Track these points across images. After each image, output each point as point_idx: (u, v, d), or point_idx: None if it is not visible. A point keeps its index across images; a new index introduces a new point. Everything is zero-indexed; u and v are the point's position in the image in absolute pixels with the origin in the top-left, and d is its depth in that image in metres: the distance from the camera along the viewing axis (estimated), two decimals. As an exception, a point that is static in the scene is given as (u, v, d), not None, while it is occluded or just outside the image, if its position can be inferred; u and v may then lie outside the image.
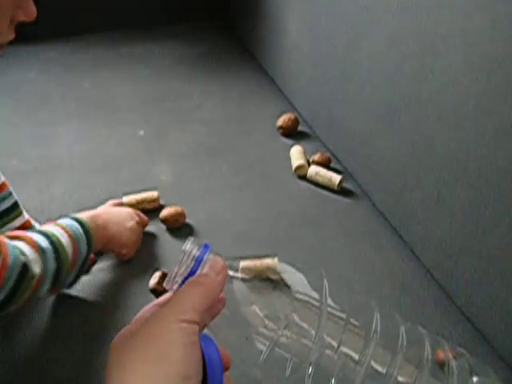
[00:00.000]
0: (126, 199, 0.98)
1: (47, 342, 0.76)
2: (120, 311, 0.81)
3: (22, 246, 0.69)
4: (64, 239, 0.74)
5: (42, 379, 0.70)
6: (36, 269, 0.68)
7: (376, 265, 0.90)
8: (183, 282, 0.40)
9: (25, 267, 0.66)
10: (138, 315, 0.41)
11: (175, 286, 0.41)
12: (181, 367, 0.33)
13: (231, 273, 0.43)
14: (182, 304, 0.37)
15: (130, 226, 0.87)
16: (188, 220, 0.97)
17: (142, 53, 1.69)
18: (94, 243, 0.79)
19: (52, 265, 0.71)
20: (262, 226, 0.98)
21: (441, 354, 0.48)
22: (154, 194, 0.99)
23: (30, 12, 0.61)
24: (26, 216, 0.81)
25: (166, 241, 0.94)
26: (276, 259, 0.47)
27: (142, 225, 0.92)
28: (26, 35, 1.68)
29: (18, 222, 0.80)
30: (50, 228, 0.75)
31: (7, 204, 0.78)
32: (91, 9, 1.76)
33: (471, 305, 0.79)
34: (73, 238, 0.75)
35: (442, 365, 0.47)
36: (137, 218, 0.90)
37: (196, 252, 0.42)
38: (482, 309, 0.77)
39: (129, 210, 0.91)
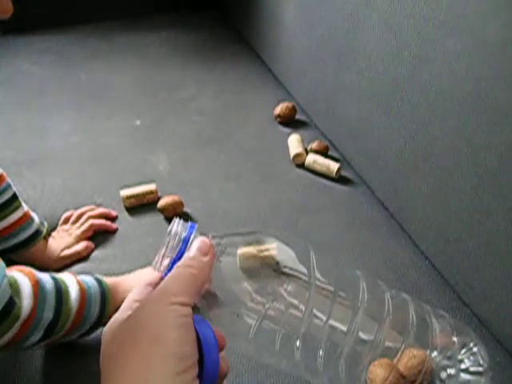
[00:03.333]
0: (123, 193, 0.97)
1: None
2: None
3: (20, 279, 0.58)
4: (73, 291, 0.63)
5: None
6: (25, 310, 0.56)
7: (374, 252, 0.90)
8: (172, 264, 0.41)
9: (11, 303, 0.54)
10: (128, 297, 0.41)
11: (163, 268, 0.41)
12: (176, 347, 0.34)
13: (218, 251, 0.43)
14: (173, 288, 0.37)
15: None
16: (186, 209, 0.97)
17: (137, 43, 1.68)
18: (108, 310, 0.66)
19: (49, 313, 0.59)
20: (259, 214, 0.98)
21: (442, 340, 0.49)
22: (151, 186, 0.98)
23: (5, 8, 0.55)
24: (25, 208, 0.81)
25: (164, 230, 0.93)
26: (274, 244, 0.47)
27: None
28: (20, 26, 1.67)
29: (16, 215, 0.79)
30: (61, 274, 0.65)
31: (7, 196, 0.78)
32: (85, -2, 1.75)
33: (469, 291, 0.79)
34: (84, 293, 0.63)
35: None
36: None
37: (182, 233, 0.42)
38: (480, 295, 0.77)
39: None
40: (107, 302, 0.66)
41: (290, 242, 0.46)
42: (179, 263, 0.40)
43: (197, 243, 0.41)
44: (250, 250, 0.44)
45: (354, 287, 0.47)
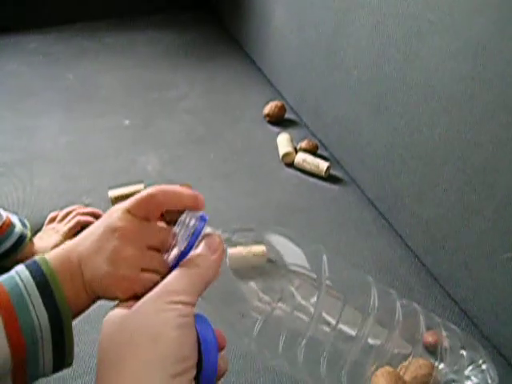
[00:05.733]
0: (111, 193, 0.96)
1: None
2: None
3: None
4: None
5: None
6: None
7: (364, 251, 0.90)
8: (180, 257, 0.39)
9: None
10: None
11: (171, 258, 0.40)
12: (176, 348, 0.33)
13: (228, 248, 0.41)
14: (176, 286, 0.36)
15: (109, 253, 0.40)
16: (175, 210, 0.96)
17: (126, 43, 1.67)
18: (64, 303, 0.39)
19: None
20: (249, 214, 0.98)
21: (429, 338, 0.48)
22: (140, 186, 0.98)
23: None
24: (3, 216, 0.79)
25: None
26: (263, 247, 0.46)
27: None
28: (8, 26, 1.66)
29: None
30: None
31: None
32: (73, -2, 1.74)
33: (459, 289, 0.79)
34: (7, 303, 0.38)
35: (431, 347, 0.47)
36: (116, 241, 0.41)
37: (193, 224, 0.40)
38: (469, 292, 0.77)
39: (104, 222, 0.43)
40: (56, 290, 0.39)
41: (300, 241, 0.45)
42: (186, 259, 0.38)
43: (207, 239, 0.39)
44: (256, 248, 0.43)
45: (365, 292, 0.46)
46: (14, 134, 1.21)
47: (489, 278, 0.72)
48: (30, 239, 0.83)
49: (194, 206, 0.42)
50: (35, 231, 0.88)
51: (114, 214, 0.41)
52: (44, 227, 0.91)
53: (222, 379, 0.39)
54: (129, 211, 0.41)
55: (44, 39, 1.67)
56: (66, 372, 0.66)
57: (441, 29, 0.73)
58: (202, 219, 0.41)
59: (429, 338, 0.48)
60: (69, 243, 0.43)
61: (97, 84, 1.43)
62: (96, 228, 0.42)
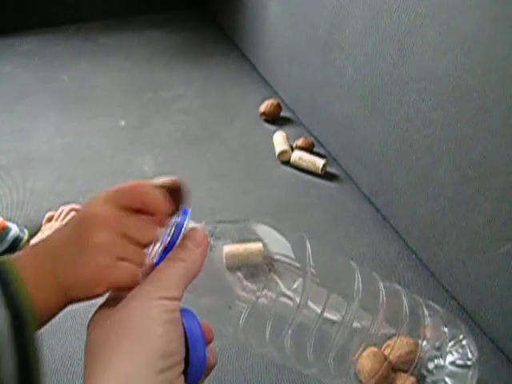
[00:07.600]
0: None
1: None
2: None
3: None
4: None
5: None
6: None
7: (361, 247, 0.90)
8: (164, 252, 0.39)
9: None
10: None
11: (154, 253, 0.39)
12: (162, 344, 0.33)
13: (211, 240, 0.41)
14: (163, 281, 0.36)
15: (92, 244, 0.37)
16: (172, 209, 0.96)
17: (122, 43, 1.67)
18: (29, 307, 0.35)
19: None
20: (247, 212, 0.98)
21: (427, 334, 0.49)
22: None
23: None
24: None
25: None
26: (260, 244, 0.46)
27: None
28: (3, 28, 1.65)
29: None
30: None
31: None
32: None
33: (455, 283, 0.79)
34: None
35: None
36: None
37: (175, 218, 0.39)
38: (465, 287, 0.77)
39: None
40: (18, 292, 0.35)
41: (284, 231, 0.45)
42: (171, 254, 0.38)
43: (191, 233, 0.39)
44: (253, 246, 0.43)
45: (349, 277, 0.46)
46: (9, 136, 1.20)
47: (485, 272, 0.72)
48: (28, 241, 0.83)
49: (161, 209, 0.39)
50: (33, 233, 0.88)
51: (90, 203, 0.39)
52: (42, 227, 0.91)
53: (215, 373, 0.39)
54: (107, 200, 0.38)
55: (39, 41, 1.67)
56: (61, 372, 0.66)
57: (435, 24, 0.74)
58: (184, 213, 0.40)
59: (427, 333, 0.48)
60: (41, 239, 0.39)
61: (92, 85, 1.42)
62: (70, 219, 0.39)
